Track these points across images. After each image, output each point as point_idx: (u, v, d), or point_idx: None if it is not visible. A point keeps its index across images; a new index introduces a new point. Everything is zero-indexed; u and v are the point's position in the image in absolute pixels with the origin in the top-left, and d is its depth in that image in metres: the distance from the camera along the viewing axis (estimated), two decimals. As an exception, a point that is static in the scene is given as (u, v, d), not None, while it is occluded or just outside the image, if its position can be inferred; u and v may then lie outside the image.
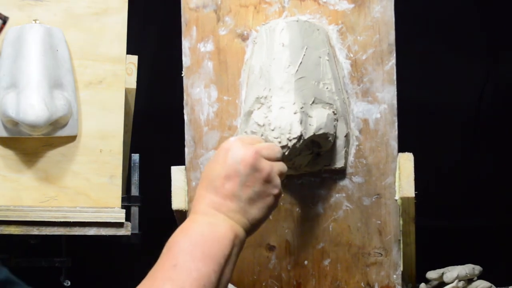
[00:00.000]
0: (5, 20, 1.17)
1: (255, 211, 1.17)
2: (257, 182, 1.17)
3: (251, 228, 1.17)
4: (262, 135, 1.34)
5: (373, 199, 1.44)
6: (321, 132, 1.34)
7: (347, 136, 1.42)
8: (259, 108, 1.37)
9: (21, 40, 1.53)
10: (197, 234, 1.12)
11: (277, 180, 1.20)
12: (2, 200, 1.55)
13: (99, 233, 1.57)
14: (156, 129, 2.00)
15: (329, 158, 1.41)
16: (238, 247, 1.14)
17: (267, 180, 1.18)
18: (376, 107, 1.44)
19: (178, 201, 1.46)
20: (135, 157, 1.64)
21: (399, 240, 1.44)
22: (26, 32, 1.53)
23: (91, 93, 1.58)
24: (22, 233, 1.56)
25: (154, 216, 1.70)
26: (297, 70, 1.36)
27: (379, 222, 1.43)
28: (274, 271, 1.46)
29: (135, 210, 1.62)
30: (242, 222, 1.16)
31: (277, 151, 1.23)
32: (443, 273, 1.55)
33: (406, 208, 1.43)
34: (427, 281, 1.57)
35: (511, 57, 2.06)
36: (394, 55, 1.43)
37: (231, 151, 1.18)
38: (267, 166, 1.19)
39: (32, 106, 1.48)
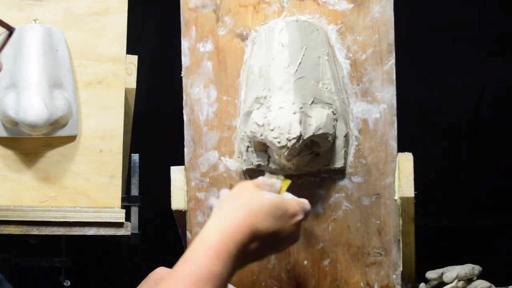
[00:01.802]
0: (11, 31, 1.16)
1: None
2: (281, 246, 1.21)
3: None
4: (261, 135, 1.34)
5: (373, 199, 1.44)
6: (320, 132, 1.34)
7: (346, 136, 1.42)
8: (258, 108, 1.37)
9: (21, 40, 1.52)
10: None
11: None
12: (2, 200, 1.55)
13: (99, 233, 1.57)
14: (156, 129, 2.00)
15: (329, 158, 1.41)
16: None
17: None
18: (375, 107, 1.44)
19: (177, 201, 1.46)
20: (135, 157, 1.64)
21: (399, 240, 1.44)
22: (26, 32, 1.53)
23: (91, 93, 1.58)
24: (22, 233, 1.56)
25: (154, 216, 1.70)
26: (297, 70, 1.36)
27: (379, 222, 1.43)
28: (273, 271, 1.46)
29: (135, 210, 1.62)
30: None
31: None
32: (442, 273, 1.54)
33: (405, 208, 1.43)
34: (426, 281, 1.57)
35: (511, 57, 2.06)
36: (394, 55, 1.43)
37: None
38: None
39: (32, 106, 1.48)
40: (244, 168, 1.43)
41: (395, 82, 1.43)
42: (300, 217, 1.19)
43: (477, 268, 1.55)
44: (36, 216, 1.55)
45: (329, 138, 1.37)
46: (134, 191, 1.63)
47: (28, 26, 1.54)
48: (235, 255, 1.08)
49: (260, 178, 1.26)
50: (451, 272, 1.53)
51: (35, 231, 1.56)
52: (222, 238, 1.08)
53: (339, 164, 1.42)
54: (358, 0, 1.44)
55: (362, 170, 1.43)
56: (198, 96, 1.47)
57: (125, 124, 1.60)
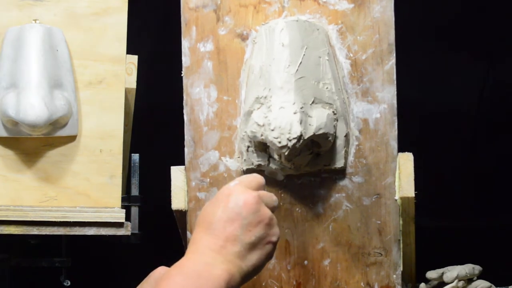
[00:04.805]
0: None
1: (254, 257, 1.17)
2: (259, 227, 1.17)
3: (247, 275, 1.17)
4: (261, 135, 1.34)
5: (373, 199, 1.44)
6: (321, 132, 1.34)
7: (347, 136, 1.42)
8: (259, 108, 1.37)
9: (21, 40, 1.52)
10: (192, 271, 1.12)
11: (277, 229, 1.21)
12: (2, 200, 1.55)
13: (99, 233, 1.57)
14: (156, 129, 2.00)
15: (329, 158, 1.41)
16: None
17: (268, 225, 1.19)
18: (376, 107, 1.44)
19: (177, 201, 1.46)
20: (135, 157, 1.64)
21: (399, 240, 1.44)
22: (26, 32, 1.53)
23: (91, 93, 1.58)
24: (22, 233, 1.56)
25: (154, 216, 1.70)
26: (297, 70, 1.36)
27: (379, 222, 1.43)
28: (274, 271, 1.46)
29: (135, 210, 1.62)
30: (239, 267, 1.15)
31: (275, 200, 1.24)
32: (443, 273, 1.55)
33: (406, 208, 1.43)
34: (427, 281, 1.57)
35: (511, 57, 2.06)
36: (394, 55, 1.44)
37: (232, 196, 1.18)
38: (268, 211, 1.19)
39: (32, 106, 1.48)
40: (245, 168, 1.43)
41: (395, 82, 1.44)
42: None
43: (477, 268, 1.55)
44: (36, 216, 1.55)
45: (330, 138, 1.37)
46: (134, 191, 1.63)
47: (28, 26, 1.54)
48: None
49: (262, 192, 1.23)
50: (452, 272, 1.53)
51: (35, 231, 1.56)
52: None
53: (339, 164, 1.42)
54: (359, 0, 1.44)
55: (362, 170, 1.43)
56: (199, 96, 1.47)
57: (125, 124, 1.60)
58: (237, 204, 1.17)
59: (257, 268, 1.18)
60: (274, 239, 1.19)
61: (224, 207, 1.17)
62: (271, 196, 1.23)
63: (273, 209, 1.22)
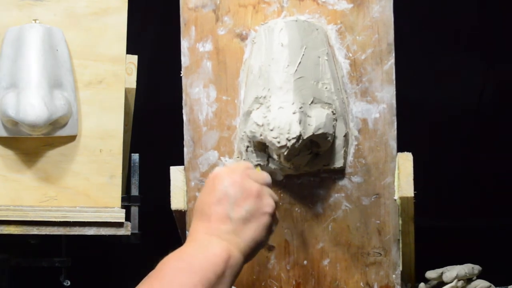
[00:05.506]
0: None
1: (250, 231, 1.18)
2: (248, 200, 1.18)
3: (248, 250, 1.18)
4: (261, 135, 1.34)
5: (372, 199, 1.44)
6: (320, 132, 1.34)
7: (346, 136, 1.42)
8: (258, 108, 1.37)
9: (21, 40, 1.53)
10: (187, 253, 1.14)
11: (269, 199, 1.21)
12: (2, 200, 1.55)
13: (99, 233, 1.57)
14: (156, 129, 2.00)
15: (328, 158, 1.41)
16: (232, 268, 1.14)
17: (258, 197, 1.19)
18: (375, 106, 1.44)
19: (177, 201, 1.47)
20: (135, 157, 1.64)
21: (398, 239, 1.44)
22: (26, 32, 1.53)
23: (91, 93, 1.58)
24: (22, 233, 1.56)
25: (154, 216, 1.70)
26: (296, 70, 1.36)
27: (378, 222, 1.43)
28: (273, 271, 1.46)
29: (135, 210, 1.62)
30: (236, 243, 1.16)
31: (265, 176, 1.25)
32: (442, 273, 1.55)
33: (405, 208, 1.43)
34: (426, 280, 1.57)
35: (511, 57, 2.06)
36: (393, 55, 1.44)
37: (218, 178, 1.20)
38: (255, 185, 1.20)
39: (32, 106, 1.48)
40: (244, 168, 1.43)
41: (394, 82, 1.44)
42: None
43: (476, 268, 1.55)
44: (36, 216, 1.55)
45: (329, 138, 1.37)
46: (134, 191, 1.63)
47: (28, 26, 1.54)
48: None
49: (250, 171, 1.24)
50: (451, 272, 1.53)
51: (35, 231, 1.56)
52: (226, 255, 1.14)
53: (338, 164, 1.42)
54: (358, 0, 1.44)
55: (361, 170, 1.44)
56: (198, 96, 1.47)
57: (125, 124, 1.60)
58: (223, 185, 1.19)
59: (258, 242, 1.19)
60: (268, 209, 1.20)
61: (212, 191, 1.19)
62: (261, 174, 1.24)
63: (265, 184, 1.23)
